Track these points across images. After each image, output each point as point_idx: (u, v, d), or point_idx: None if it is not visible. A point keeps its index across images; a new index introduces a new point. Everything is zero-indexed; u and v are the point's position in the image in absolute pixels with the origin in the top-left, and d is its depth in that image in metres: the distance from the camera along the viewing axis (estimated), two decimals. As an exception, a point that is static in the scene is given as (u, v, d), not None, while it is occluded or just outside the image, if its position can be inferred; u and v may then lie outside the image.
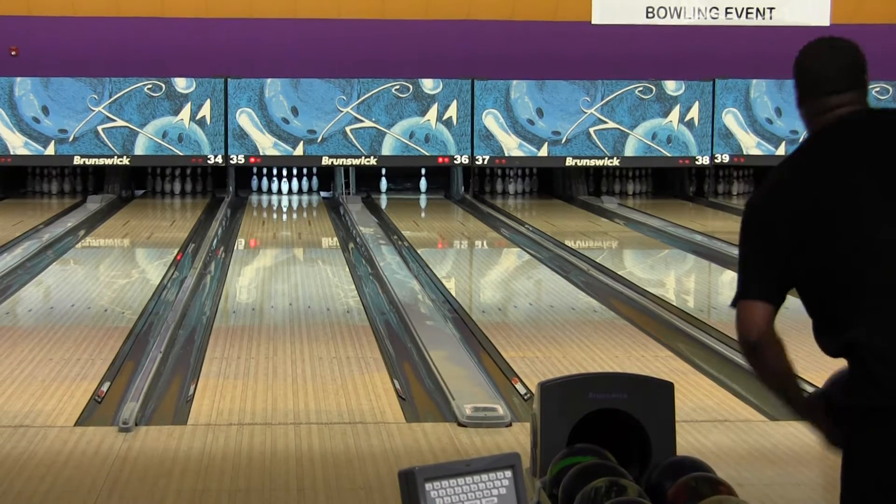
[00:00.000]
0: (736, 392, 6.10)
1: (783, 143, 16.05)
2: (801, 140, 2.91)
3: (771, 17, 15.70)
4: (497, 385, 6.21)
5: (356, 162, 15.70)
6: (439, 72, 15.67)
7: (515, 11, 15.75)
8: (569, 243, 11.81)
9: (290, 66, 15.57)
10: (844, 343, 2.71)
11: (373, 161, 15.71)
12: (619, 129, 15.90)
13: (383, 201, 15.83)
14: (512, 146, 15.82)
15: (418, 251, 11.18)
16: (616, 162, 15.98)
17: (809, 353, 7.54)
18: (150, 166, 15.94)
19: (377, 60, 15.64)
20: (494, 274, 10.83)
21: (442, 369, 6.37)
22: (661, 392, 4.41)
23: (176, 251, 11.21)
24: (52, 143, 15.32)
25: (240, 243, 12.03)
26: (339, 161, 15.68)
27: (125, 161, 15.45)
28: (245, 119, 15.52)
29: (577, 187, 16.20)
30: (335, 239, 12.40)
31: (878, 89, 15.60)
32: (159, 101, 15.41)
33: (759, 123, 16.07)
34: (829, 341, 2.77)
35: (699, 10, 15.65)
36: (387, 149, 15.67)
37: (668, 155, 16.00)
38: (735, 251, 3.09)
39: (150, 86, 15.38)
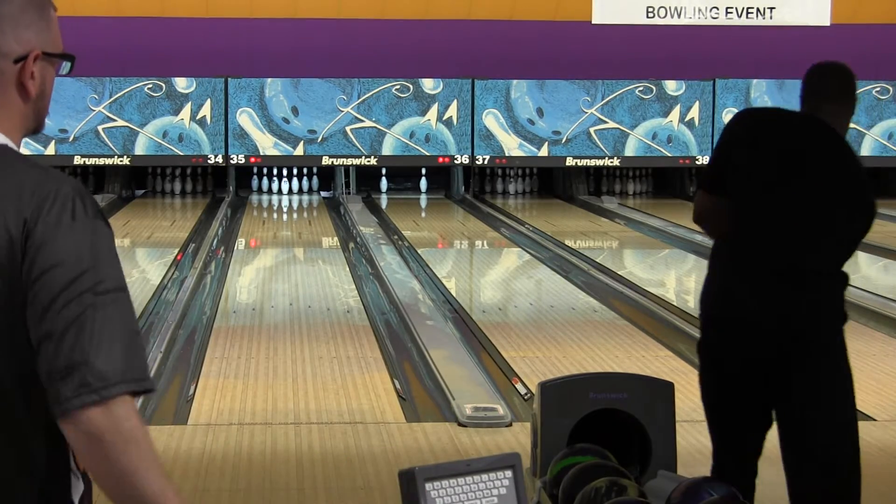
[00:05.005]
0: (736, 392, 6.09)
1: (783, 143, 16.02)
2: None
3: (771, 17, 15.69)
4: (497, 385, 6.21)
5: (356, 162, 15.69)
6: (439, 72, 15.66)
7: (515, 11, 15.75)
8: (569, 243, 11.81)
9: (290, 66, 15.56)
10: None
11: (373, 161, 15.71)
12: (619, 128, 15.90)
13: (383, 201, 15.83)
14: (512, 146, 15.82)
15: (418, 251, 11.18)
16: (616, 162, 15.98)
17: (809, 353, 7.46)
18: (150, 166, 15.94)
19: (377, 60, 15.64)
20: (495, 274, 10.83)
21: (442, 369, 6.37)
22: (661, 392, 4.41)
23: (176, 251, 11.20)
24: (53, 142, 15.32)
25: (240, 243, 12.03)
26: (340, 161, 15.68)
27: (125, 161, 15.45)
28: (245, 119, 15.52)
29: (577, 187, 16.20)
30: (335, 239, 12.39)
31: (878, 89, 15.57)
32: (159, 100, 15.41)
33: (760, 123, 16.05)
34: None
35: (699, 10, 15.64)
36: (387, 148, 15.67)
37: (669, 155, 16.00)
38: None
39: (150, 85, 15.38)
